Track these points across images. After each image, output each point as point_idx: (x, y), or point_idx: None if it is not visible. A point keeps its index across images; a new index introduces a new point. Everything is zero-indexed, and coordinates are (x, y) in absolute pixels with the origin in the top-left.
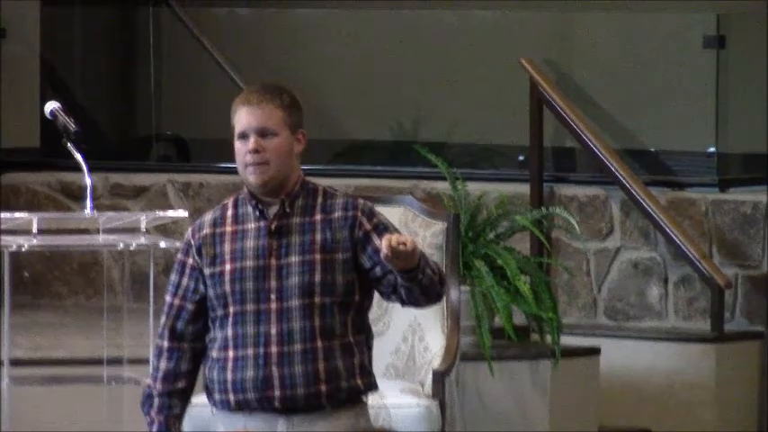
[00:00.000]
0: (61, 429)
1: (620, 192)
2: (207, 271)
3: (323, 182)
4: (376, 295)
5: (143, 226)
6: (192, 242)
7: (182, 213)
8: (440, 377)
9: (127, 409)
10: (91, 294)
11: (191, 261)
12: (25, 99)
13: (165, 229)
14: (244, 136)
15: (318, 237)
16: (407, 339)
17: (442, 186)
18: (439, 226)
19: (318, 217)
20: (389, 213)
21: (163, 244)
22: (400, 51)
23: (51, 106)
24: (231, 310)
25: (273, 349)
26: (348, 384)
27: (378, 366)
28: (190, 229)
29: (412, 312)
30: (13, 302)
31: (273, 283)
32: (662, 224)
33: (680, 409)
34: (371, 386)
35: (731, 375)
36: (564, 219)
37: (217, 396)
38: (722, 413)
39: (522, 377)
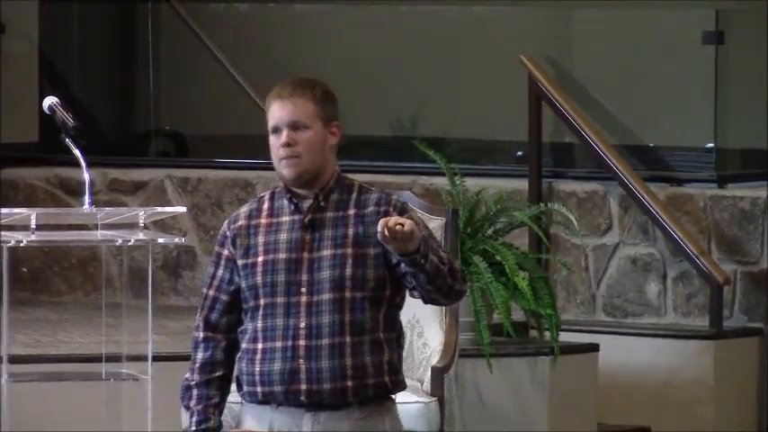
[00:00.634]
0: (60, 426)
1: (618, 187)
2: (240, 262)
3: None
4: None
5: (141, 221)
6: (228, 233)
7: (180, 209)
8: (439, 374)
9: (125, 405)
10: (89, 290)
11: (226, 252)
12: (24, 94)
13: (164, 225)
14: (276, 130)
15: (351, 231)
16: (406, 336)
17: (441, 182)
18: (437, 222)
19: (352, 212)
20: None
21: (161, 240)
22: (399, 47)
23: (50, 101)
24: (262, 302)
25: (302, 342)
26: (375, 381)
27: None
28: (226, 221)
29: (411, 309)
30: (12, 298)
31: (305, 277)
32: (660, 220)
33: (678, 405)
34: (400, 385)
35: (730, 372)
36: (562, 214)
37: (245, 388)
38: (721, 409)
39: (520, 374)
